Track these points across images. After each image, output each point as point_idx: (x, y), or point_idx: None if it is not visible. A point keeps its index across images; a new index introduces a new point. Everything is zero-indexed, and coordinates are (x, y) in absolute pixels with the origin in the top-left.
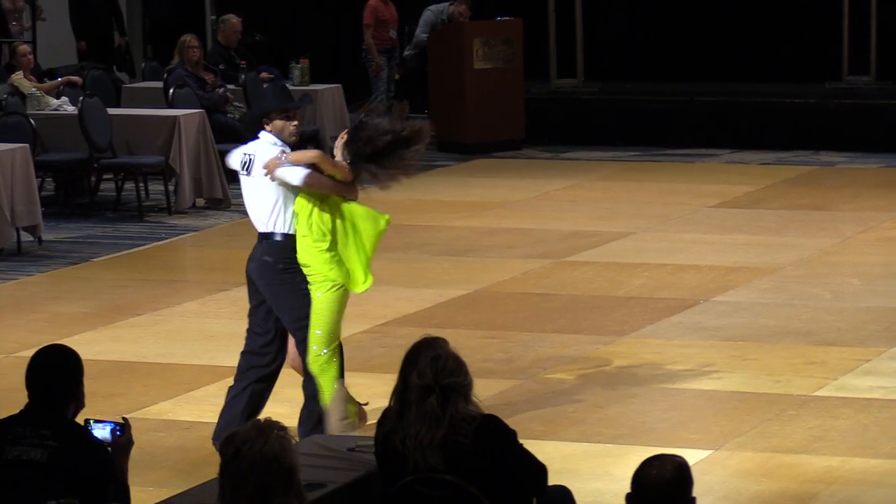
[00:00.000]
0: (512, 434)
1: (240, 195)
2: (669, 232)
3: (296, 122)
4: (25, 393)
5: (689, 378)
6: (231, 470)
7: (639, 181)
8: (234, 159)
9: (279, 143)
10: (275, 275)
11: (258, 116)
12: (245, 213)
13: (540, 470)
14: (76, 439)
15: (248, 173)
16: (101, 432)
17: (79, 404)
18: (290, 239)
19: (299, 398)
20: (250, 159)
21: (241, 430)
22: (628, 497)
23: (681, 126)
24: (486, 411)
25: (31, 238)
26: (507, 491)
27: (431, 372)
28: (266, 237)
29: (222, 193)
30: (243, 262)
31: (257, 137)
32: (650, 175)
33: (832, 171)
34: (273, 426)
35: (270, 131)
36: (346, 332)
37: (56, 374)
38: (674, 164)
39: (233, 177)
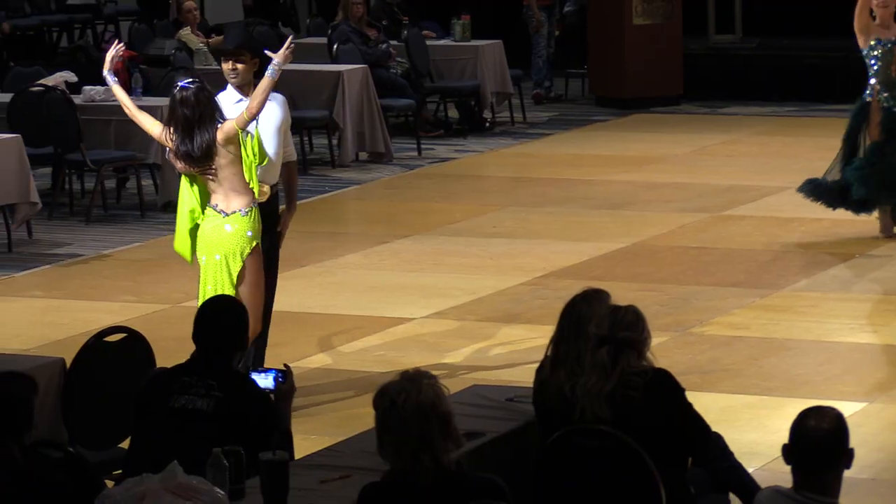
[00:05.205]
0: (681, 390)
1: (403, 149)
2: None
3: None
4: (191, 342)
5: (844, 331)
6: (389, 421)
7: (796, 136)
8: None
9: None
10: None
11: None
12: (408, 167)
13: (704, 432)
14: (241, 390)
15: None
16: (264, 381)
17: (243, 351)
18: None
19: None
20: None
21: (392, 382)
22: (785, 447)
23: (838, 81)
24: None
25: None
26: (668, 447)
27: (609, 323)
28: None
29: (384, 147)
30: (405, 214)
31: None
32: (807, 130)
33: None
34: (423, 375)
35: None
36: (505, 284)
37: (224, 325)
38: (830, 119)
39: (395, 131)
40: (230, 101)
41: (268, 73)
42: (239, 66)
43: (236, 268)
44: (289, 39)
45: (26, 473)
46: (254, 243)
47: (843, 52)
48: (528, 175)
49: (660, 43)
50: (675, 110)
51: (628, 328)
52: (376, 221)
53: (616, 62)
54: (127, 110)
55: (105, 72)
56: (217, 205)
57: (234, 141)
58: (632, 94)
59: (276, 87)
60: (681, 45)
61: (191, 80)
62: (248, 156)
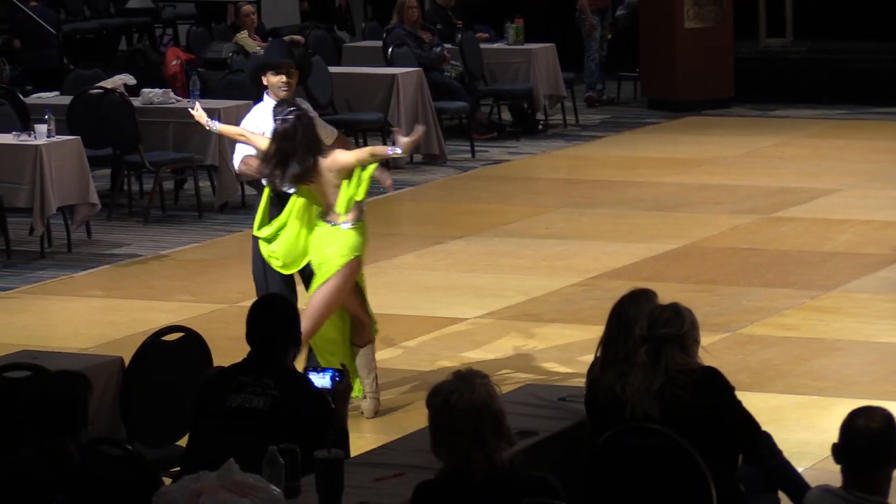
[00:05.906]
0: (730, 388)
1: (457, 151)
2: (876, 189)
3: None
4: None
5: (893, 332)
6: (442, 420)
7: (846, 139)
8: None
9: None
10: None
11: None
12: (462, 169)
13: (754, 431)
14: (297, 389)
15: None
16: (321, 380)
17: (298, 348)
18: None
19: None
20: None
21: (445, 382)
22: (835, 447)
23: (888, 84)
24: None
25: (255, 192)
26: (717, 445)
27: (647, 322)
28: None
29: (439, 149)
30: (458, 216)
31: None
32: (857, 133)
33: None
34: (476, 375)
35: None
36: (558, 284)
37: (275, 323)
38: (881, 123)
39: (449, 134)
40: (270, 113)
41: (389, 149)
42: (291, 80)
43: (327, 273)
44: (420, 130)
45: (84, 470)
46: (351, 256)
47: (893, 55)
48: (580, 177)
49: (711, 46)
50: (726, 113)
51: (666, 324)
52: (430, 222)
53: (667, 65)
54: (243, 139)
55: (208, 123)
56: (326, 215)
57: (346, 171)
58: (683, 97)
59: (334, 90)
60: (732, 48)
61: (291, 109)
62: (350, 187)
